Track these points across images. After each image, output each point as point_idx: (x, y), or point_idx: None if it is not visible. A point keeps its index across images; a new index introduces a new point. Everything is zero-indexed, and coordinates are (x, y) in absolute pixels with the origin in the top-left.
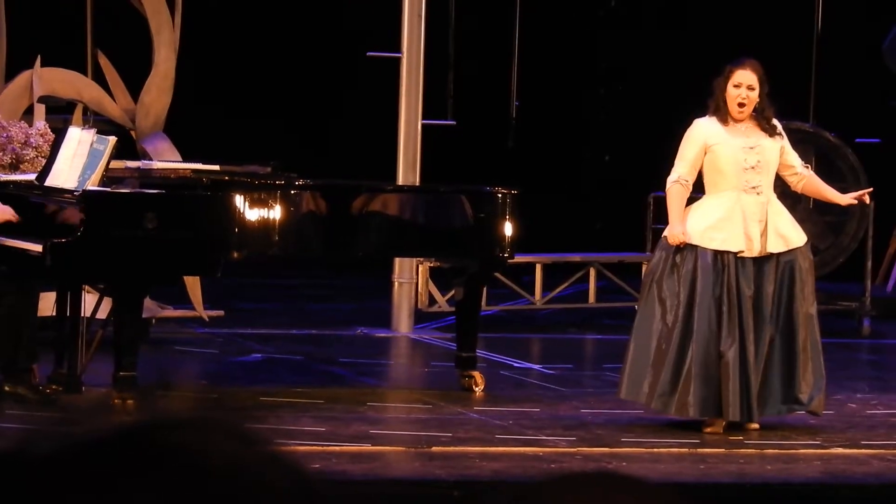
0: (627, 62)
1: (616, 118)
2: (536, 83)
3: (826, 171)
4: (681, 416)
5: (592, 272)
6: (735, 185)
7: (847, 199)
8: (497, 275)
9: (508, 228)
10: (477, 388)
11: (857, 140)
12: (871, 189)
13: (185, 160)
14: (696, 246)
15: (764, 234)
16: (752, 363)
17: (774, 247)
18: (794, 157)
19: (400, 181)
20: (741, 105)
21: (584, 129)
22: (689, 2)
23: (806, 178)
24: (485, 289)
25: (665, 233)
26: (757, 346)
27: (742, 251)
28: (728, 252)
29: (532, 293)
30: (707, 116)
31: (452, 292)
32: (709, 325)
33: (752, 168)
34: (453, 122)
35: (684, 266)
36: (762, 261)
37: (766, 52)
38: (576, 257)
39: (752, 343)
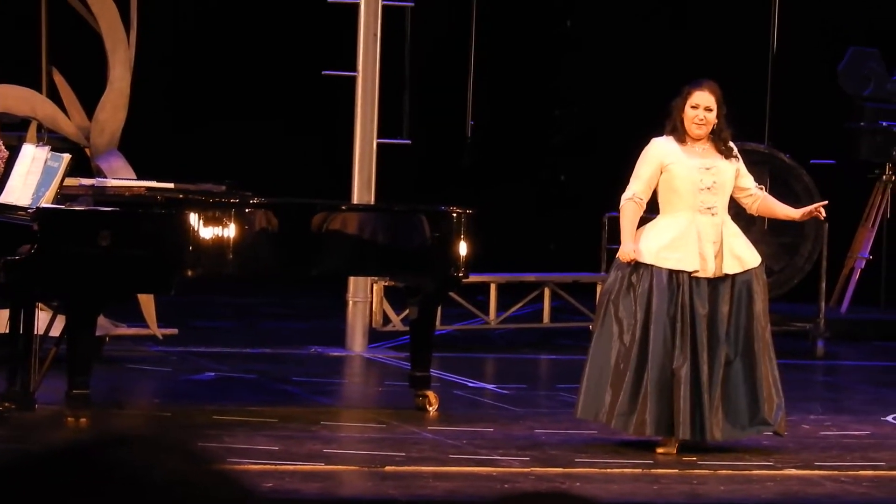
0: (583, 83)
1: (571, 138)
2: (492, 103)
3: (781, 192)
4: (638, 435)
5: (547, 292)
6: (690, 206)
7: (802, 212)
8: (452, 294)
9: (463, 248)
10: (431, 408)
11: (812, 161)
12: (826, 203)
13: (139, 178)
14: (651, 265)
15: (719, 255)
16: (705, 382)
17: (730, 268)
18: (748, 180)
19: (355, 200)
20: (698, 126)
21: (540, 149)
22: (644, 23)
23: (760, 199)
24: (439, 308)
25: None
26: (711, 366)
27: (697, 271)
28: (683, 272)
29: (487, 313)
30: (664, 136)
31: (407, 311)
32: (664, 344)
33: (708, 189)
34: (408, 142)
35: (640, 286)
36: (717, 281)
37: (722, 72)
38: (531, 277)
39: (706, 362)
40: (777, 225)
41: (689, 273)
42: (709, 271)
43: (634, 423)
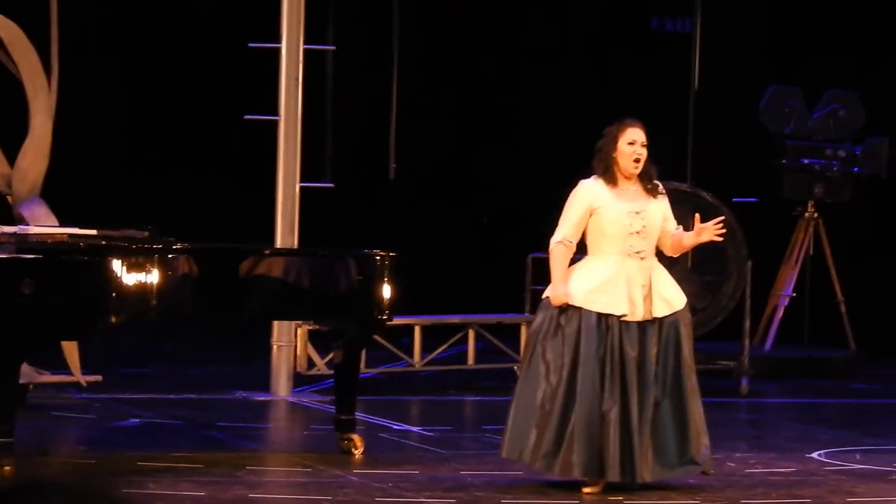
0: (502, 125)
1: (493, 180)
2: (414, 145)
3: None
4: (565, 476)
5: (471, 333)
6: (620, 250)
7: (697, 229)
8: (376, 337)
9: (387, 291)
10: (356, 451)
11: (735, 199)
12: (724, 218)
13: (61, 225)
14: (580, 308)
15: (648, 298)
16: (635, 424)
17: (659, 311)
18: (671, 223)
19: (278, 244)
20: (637, 161)
21: (462, 190)
22: (565, 64)
23: (672, 238)
24: (364, 351)
25: (547, 293)
26: (641, 408)
27: (625, 315)
28: (612, 315)
29: (411, 355)
30: (593, 178)
31: (332, 355)
32: (592, 385)
33: (638, 233)
34: (331, 185)
35: (568, 327)
36: (646, 323)
37: (644, 111)
38: (455, 319)
39: (636, 404)
40: (700, 263)
41: (619, 316)
42: (637, 315)
43: (560, 464)
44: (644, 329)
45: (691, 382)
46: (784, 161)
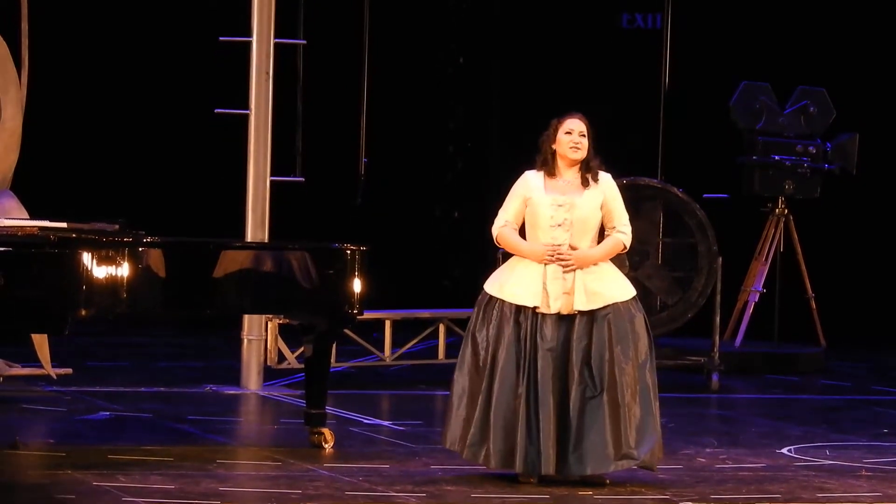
0: (475, 120)
1: (465, 175)
2: (385, 140)
3: (674, 226)
4: (487, 467)
5: (442, 328)
6: (544, 241)
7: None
8: (346, 331)
9: (357, 285)
10: (326, 445)
11: (706, 196)
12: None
13: (32, 218)
14: (500, 300)
15: (570, 292)
16: (547, 416)
17: (582, 304)
18: (615, 218)
19: (249, 238)
20: (574, 149)
21: (433, 186)
22: (536, 60)
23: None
24: (334, 345)
25: (530, 257)
26: (558, 401)
27: (537, 307)
28: (526, 307)
29: (382, 349)
30: (535, 170)
31: (302, 349)
32: (509, 376)
33: (559, 225)
34: (302, 179)
35: (493, 319)
36: (572, 317)
37: (615, 107)
38: (425, 313)
39: (551, 397)
40: (671, 259)
41: (532, 308)
42: (553, 308)
43: (484, 454)
44: (570, 322)
45: (635, 372)
46: (754, 157)
